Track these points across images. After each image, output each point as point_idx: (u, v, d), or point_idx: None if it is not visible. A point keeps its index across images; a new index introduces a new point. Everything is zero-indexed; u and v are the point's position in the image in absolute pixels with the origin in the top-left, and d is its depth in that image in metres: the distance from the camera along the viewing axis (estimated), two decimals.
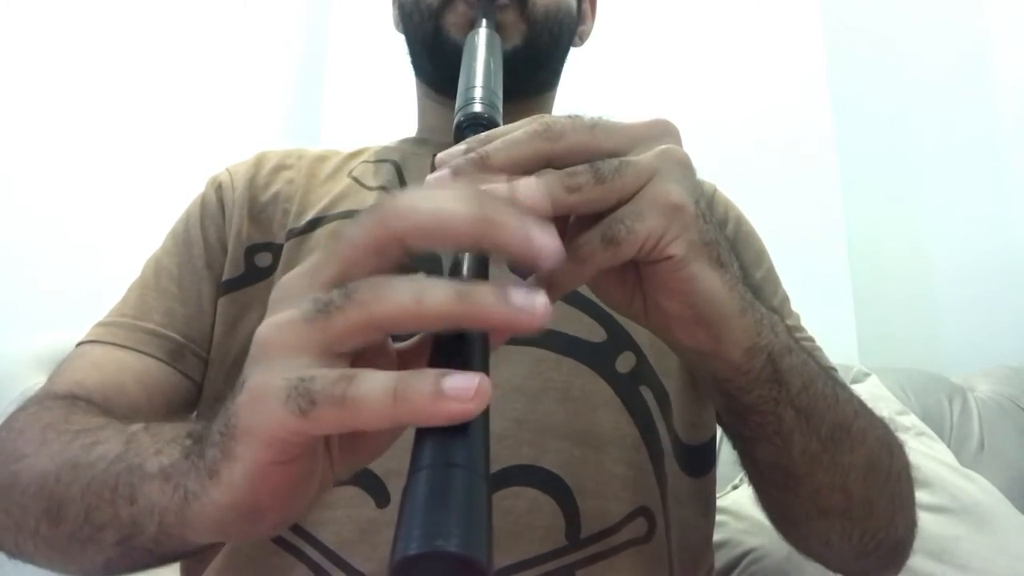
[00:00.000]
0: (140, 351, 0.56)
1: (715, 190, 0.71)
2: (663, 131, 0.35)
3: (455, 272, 0.31)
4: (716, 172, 0.67)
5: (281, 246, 0.61)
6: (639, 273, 0.36)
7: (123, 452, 0.35)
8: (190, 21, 1.44)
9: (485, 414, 0.25)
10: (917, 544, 0.53)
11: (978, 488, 0.89)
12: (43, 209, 1.17)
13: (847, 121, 1.43)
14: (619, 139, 0.34)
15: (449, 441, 0.23)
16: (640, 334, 0.57)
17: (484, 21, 0.58)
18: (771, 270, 0.69)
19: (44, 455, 0.40)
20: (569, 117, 0.34)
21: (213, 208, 0.65)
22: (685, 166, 0.34)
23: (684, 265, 0.33)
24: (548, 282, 0.32)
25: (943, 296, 1.38)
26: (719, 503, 0.72)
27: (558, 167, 0.32)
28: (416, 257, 0.26)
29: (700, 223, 0.34)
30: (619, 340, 0.57)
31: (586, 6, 0.77)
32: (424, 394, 0.23)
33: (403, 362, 0.30)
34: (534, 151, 0.33)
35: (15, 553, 0.42)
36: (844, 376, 0.70)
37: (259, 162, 0.68)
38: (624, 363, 0.56)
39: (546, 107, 0.74)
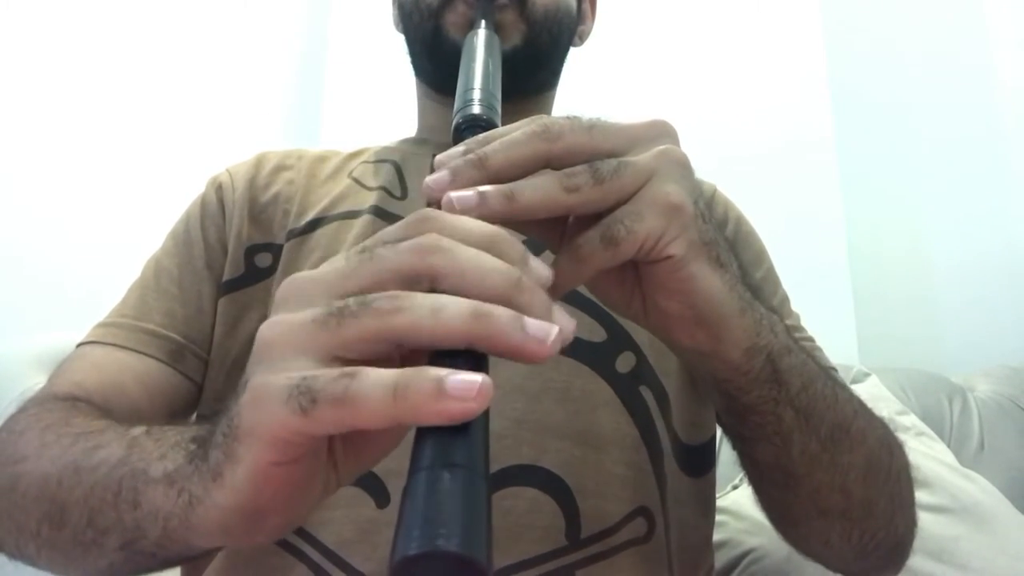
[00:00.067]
0: (140, 352, 0.57)
1: (715, 190, 0.71)
2: (661, 132, 0.35)
3: None
4: (716, 172, 0.67)
5: (281, 247, 0.61)
6: (638, 273, 0.36)
7: (126, 456, 0.35)
8: (190, 21, 1.44)
9: (485, 414, 0.25)
10: (917, 544, 0.53)
11: (978, 488, 0.89)
12: (43, 209, 1.17)
13: (847, 121, 1.43)
14: (617, 140, 0.34)
15: (449, 441, 0.23)
16: (640, 334, 0.57)
17: (483, 22, 0.58)
18: (771, 270, 0.69)
19: (45, 458, 0.40)
20: (567, 118, 0.34)
21: (213, 209, 0.65)
22: (683, 166, 0.34)
23: (683, 265, 0.33)
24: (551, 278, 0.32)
25: (943, 296, 1.38)
26: (719, 503, 0.73)
27: (556, 168, 0.33)
28: None
29: (699, 223, 0.34)
30: (619, 340, 0.57)
31: (586, 6, 0.77)
32: (425, 393, 0.23)
33: (402, 360, 0.30)
34: (533, 152, 0.33)
35: (16, 555, 0.42)
36: (844, 376, 0.70)
37: (259, 162, 0.68)
38: (624, 363, 0.56)
39: (546, 107, 0.74)
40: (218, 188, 0.66)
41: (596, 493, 0.51)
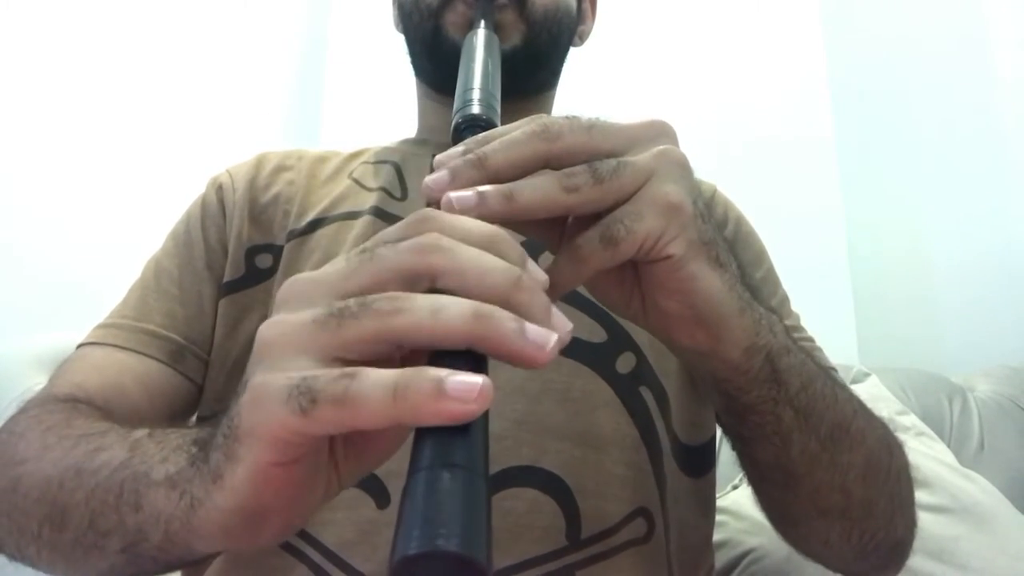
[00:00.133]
0: (141, 353, 0.57)
1: (715, 191, 0.71)
2: (660, 132, 0.35)
3: None
4: (715, 171, 0.67)
5: (282, 247, 0.61)
6: (637, 273, 0.36)
7: (128, 459, 0.35)
8: (190, 21, 1.44)
9: (485, 414, 0.25)
10: (917, 544, 0.53)
11: (978, 488, 0.89)
12: (43, 209, 1.17)
13: (847, 121, 1.43)
14: (617, 140, 0.34)
15: (449, 441, 0.23)
16: (640, 334, 0.57)
17: (483, 22, 0.58)
18: (771, 270, 0.69)
19: (47, 460, 0.40)
20: (567, 118, 0.34)
21: (214, 209, 0.65)
22: (683, 166, 0.34)
23: (683, 265, 0.33)
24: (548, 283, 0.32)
25: (943, 296, 1.38)
26: (719, 503, 0.72)
27: (556, 168, 0.33)
28: None
29: (698, 222, 0.34)
30: (619, 341, 0.57)
31: (586, 6, 0.77)
32: (425, 393, 0.23)
33: (403, 361, 0.30)
34: (532, 152, 0.33)
35: (16, 557, 0.42)
36: (844, 376, 0.70)
37: (259, 163, 0.68)
38: (624, 363, 0.56)
39: (545, 107, 0.74)
40: (218, 189, 0.66)
41: (596, 493, 0.51)
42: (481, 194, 0.31)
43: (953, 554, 0.80)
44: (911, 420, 0.99)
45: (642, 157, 0.33)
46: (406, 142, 0.73)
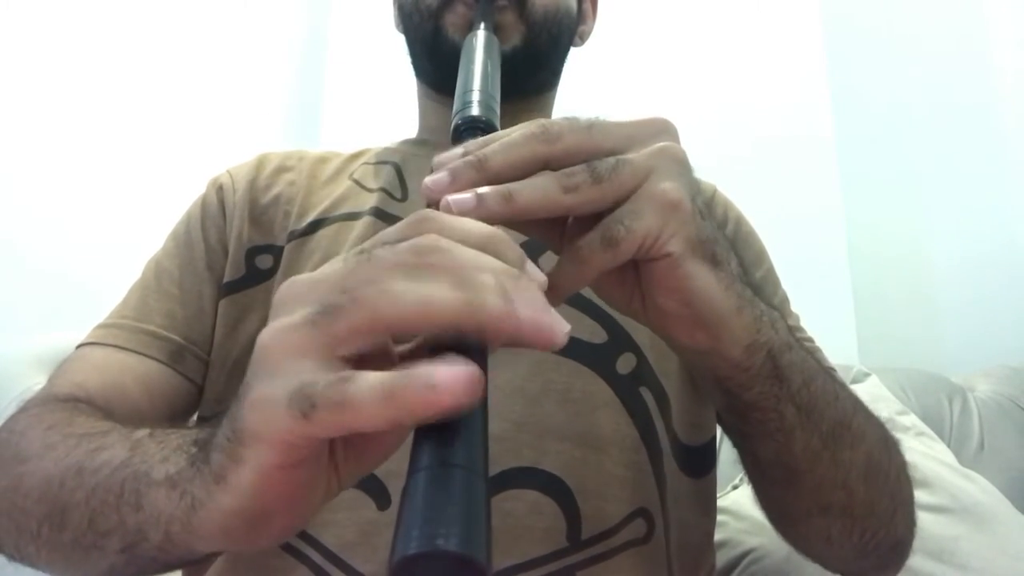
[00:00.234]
0: (141, 353, 0.57)
1: (715, 191, 0.71)
2: (660, 129, 0.35)
3: None
4: (715, 171, 0.67)
5: (282, 248, 0.61)
6: (638, 272, 0.36)
7: (128, 458, 0.35)
8: (190, 21, 1.44)
9: (484, 414, 0.25)
10: (917, 544, 0.53)
11: (978, 488, 0.89)
12: (43, 209, 1.17)
13: (847, 121, 1.43)
14: (616, 138, 0.34)
15: (448, 442, 0.23)
16: (640, 335, 0.57)
17: (482, 24, 0.58)
18: (771, 270, 0.69)
19: (48, 459, 0.40)
20: (566, 119, 0.34)
21: (214, 210, 0.65)
22: (682, 163, 0.34)
23: (680, 263, 0.33)
24: (550, 286, 0.32)
25: (943, 296, 1.38)
26: (719, 503, 0.72)
27: (556, 169, 0.33)
28: None
29: (697, 220, 0.34)
30: (620, 341, 0.57)
31: (586, 6, 0.77)
32: (415, 388, 0.23)
33: (403, 365, 0.30)
34: (531, 153, 0.33)
35: (16, 556, 0.42)
36: (844, 376, 0.70)
37: (260, 164, 0.68)
38: (624, 364, 0.56)
39: (546, 107, 0.74)
40: (219, 189, 0.66)
41: (597, 494, 0.51)
42: (480, 195, 0.31)
43: (953, 554, 0.80)
44: (911, 420, 0.99)
45: (640, 155, 0.33)
46: (406, 143, 0.73)
